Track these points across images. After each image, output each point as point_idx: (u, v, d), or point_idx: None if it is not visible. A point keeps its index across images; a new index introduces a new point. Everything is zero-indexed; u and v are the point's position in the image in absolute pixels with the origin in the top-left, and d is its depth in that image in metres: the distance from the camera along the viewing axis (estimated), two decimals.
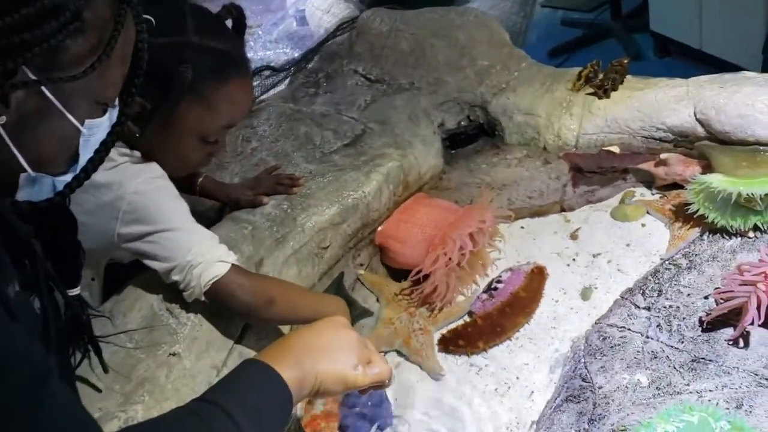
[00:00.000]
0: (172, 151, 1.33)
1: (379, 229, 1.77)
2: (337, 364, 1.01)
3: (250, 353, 1.33)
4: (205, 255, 1.25)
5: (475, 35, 2.08)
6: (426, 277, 1.65)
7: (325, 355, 1.00)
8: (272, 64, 2.31)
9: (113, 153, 1.23)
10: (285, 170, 1.69)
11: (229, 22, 1.34)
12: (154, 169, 1.29)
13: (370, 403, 1.45)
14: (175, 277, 1.24)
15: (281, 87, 2.20)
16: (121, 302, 1.29)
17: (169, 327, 1.25)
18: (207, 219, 1.57)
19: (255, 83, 2.18)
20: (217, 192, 1.64)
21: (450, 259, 1.66)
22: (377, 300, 1.70)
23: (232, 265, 1.27)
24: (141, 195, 1.24)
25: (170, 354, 1.21)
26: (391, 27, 2.15)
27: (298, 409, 1.39)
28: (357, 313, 1.64)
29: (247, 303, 1.27)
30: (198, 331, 1.27)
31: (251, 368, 0.94)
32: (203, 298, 1.26)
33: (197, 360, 1.24)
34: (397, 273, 1.75)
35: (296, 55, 2.35)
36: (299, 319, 1.40)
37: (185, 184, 1.53)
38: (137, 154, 1.29)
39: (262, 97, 2.14)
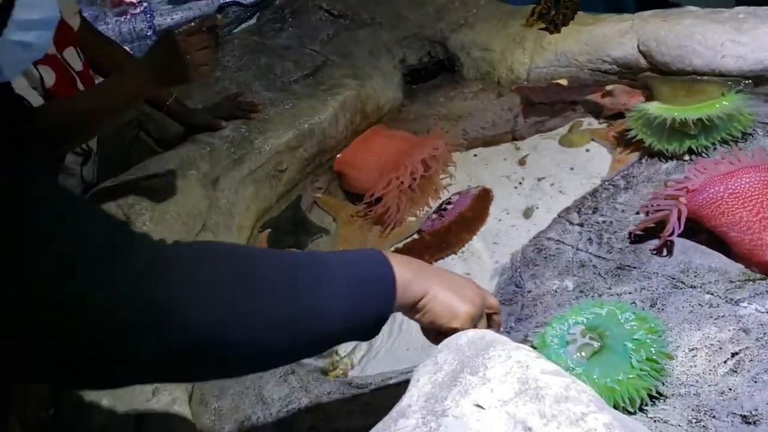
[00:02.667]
0: None
1: (338, 156, 1.86)
2: (453, 296, 0.96)
3: None
4: None
5: None
6: (379, 199, 1.75)
7: (446, 282, 0.97)
8: (240, 0, 2.37)
9: None
10: (246, 98, 1.77)
11: None
12: None
13: None
14: None
15: (251, 22, 2.26)
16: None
17: None
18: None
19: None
20: (180, 115, 1.71)
21: (402, 182, 1.75)
22: (334, 220, 1.79)
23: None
24: None
25: None
26: None
27: None
28: (313, 232, 1.73)
29: (49, 128, 1.25)
30: None
31: (365, 250, 0.94)
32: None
33: None
34: (355, 197, 1.84)
35: None
36: (111, 110, 1.33)
37: (154, 102, 1.59)
38: None
39: (232, 32, 2.21)
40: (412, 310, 0.96)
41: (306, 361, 1.49)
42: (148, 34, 3.03)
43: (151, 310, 0.69)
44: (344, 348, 1.55)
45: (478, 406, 0.74)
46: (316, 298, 0.83)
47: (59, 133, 1.25)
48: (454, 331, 0.94)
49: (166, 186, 1.42)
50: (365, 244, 1.72)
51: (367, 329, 0.92)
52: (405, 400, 0.83)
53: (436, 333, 0.99)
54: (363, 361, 1.51)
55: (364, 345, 1.54)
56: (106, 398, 1.07)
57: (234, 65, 1.89)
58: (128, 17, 3.11)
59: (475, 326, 0.98)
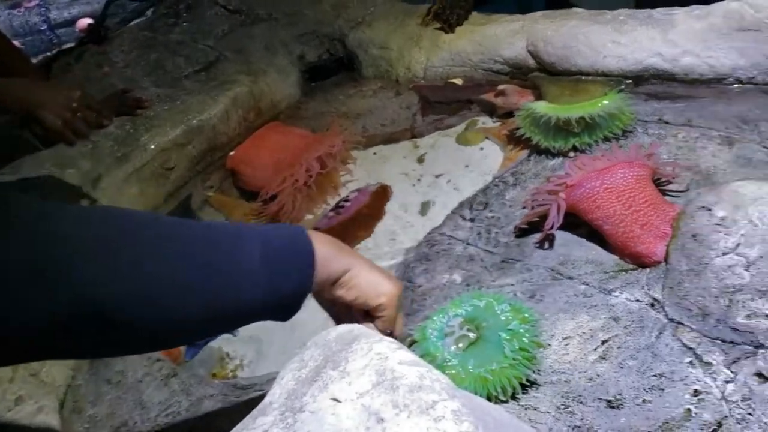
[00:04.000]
0: None
1: (231, 153, 1.82)
2: (378, 273, 0.95)
3: None
4: None
5: None
6: (274, 197, 1.73)
7: (369, 262, 0.95)
8: None
9: None
10: (134, 94, 1.71)
11: None
12: None
13: None
14: None
15: (143, 18, 2.19)
16: None
17: None
18: None
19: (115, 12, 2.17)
20: None
21: (297, 180, 1.74)
22: (226, 219, 1.76)
23: None
24: None
25: None
26: None
27: None
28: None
29: None
30: None
31: (284, 225, 0.87)
32: None
33: None
34: (249, 195, 1.81)
35: None
36: None
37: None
38: None
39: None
40: (334, 286, 0.94)
41: (192, 362, 1.46)
42: (42, 29, 2.90)
43: (33, 271, 0.63)
44: (233, 349, 1.52)
45: (335, 399, 0.74)
46: (232, 264, 0.79)
47: None
48: (380, 309, 0.92)
49: (41, 186, 1.36)
50: None
51: (286, 306, 0.89)
52: (268, 397, 0.82)
53: (363, 313, 0.98)
54: (253, 363, 1.49)
55: (253, 346, 1.52)
56: None
57: (122, 61, 1.83)
58: (22, 10, 2.97)
59: (398, 308, 0.97)
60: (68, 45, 2.11)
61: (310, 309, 1.53)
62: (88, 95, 1.36)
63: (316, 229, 1.72)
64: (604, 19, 1.77)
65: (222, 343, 1.54)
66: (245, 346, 1.53)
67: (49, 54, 2.20)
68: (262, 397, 1.23)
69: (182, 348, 1.50)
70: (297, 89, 1.96)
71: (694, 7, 1.63)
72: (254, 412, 0.80)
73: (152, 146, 1.57)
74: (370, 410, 0.71)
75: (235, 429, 0.79)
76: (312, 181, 1.76)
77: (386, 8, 2.08)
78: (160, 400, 1.21)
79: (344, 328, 0.89)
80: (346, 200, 1.76)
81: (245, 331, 1.55)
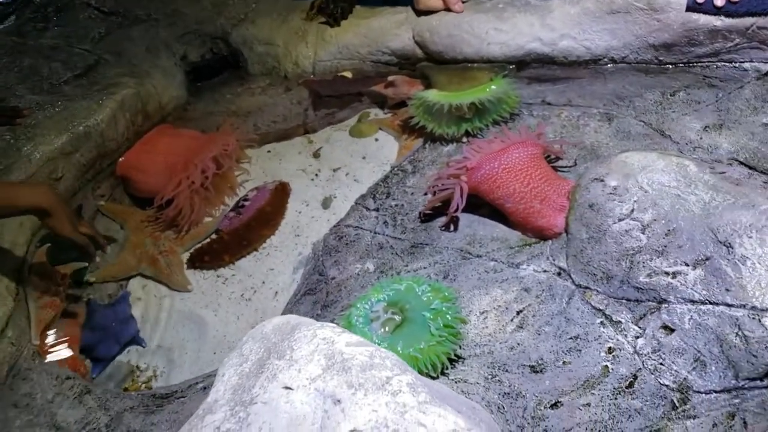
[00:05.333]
0: None
1: (120, 159, 1.74)
2: None
3: None
4: None
5: None
6: (170, 201, 1.67)
7: None
8: None
9: None
10: (9, 103, 1.60)
11: None
12: None
13: (114, 323, 1.45)
14: None
15: (8, 23, 2.04)
16: None
17: None
18: None
19: None
20: None
21: (193, 182, 1.69)
22: (122, 228, 1.68)
23: None
24: None
25: None
26: None
27: (33, 336, 1.36)
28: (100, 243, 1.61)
29: None
30: None
31: None
32: None
33: None
34: (143, 201, 1.75)
35: None
36: None
37: None
38: None
39: None
40: None
41: (100, 378, 1.39)
42: None
43: None
44: (143, 360, 1.47)
45: (287, 387, 0.74)
46: None
47: None
48: None
49: None
50: (158, 250, 1.64)
51: None
52: (211, 395, 0.80)
53: None
54: (166, 372, 1.44)
55: (164, 356, 1.47)
56: None
57: None
58: None
59: None
60: None
61: (220, 314, 1.51)
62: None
63: (218, 231, 1.68)
64: (485, 7, 1.84)
65: (130, 356, 1.48)
66: (155, 357, 1.48)
67: None
68: (186, 403, 1.20)
69: (89, 365, 1.42)
70: (183, 90, 1.90)
71: None
72: (199, 412, 0.79)
73: (36, 156, 1.47)
74: (325, 393, 0.72)
75: (181, 430, 0.77)
76: (208, 182, 1.72)
77: (269, 5, 2.06)
78: (77, 419, 1.15)
79: (279, 319, 0.89)
80: (246, 200, 1.74)
81: (154, 341, 1.50)
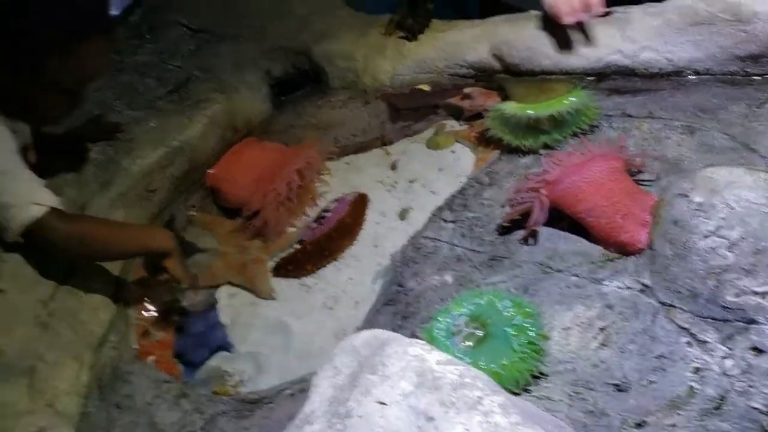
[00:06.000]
0: (34, 102, 1.34)
1: (210, 171, 1.83)
2: None
3: (80, 284, 1.36)
4: (22, 197, 1.26)
5: None
6: (257, 212, 1.74)
7: None
8: None
9: None
10: (107, 118, 1.70)
11: None
12: None
13: (205, 329, 1.53)
14: None
15: None
16: None
17: None
18: None
19: None
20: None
21: (279, 194, 1.76)
22: (212, 237, 1.76)
23: (51, 208, 1.29)
24: None
25: None
26: None
27: (132, 341, 1.44)
28: (190, 252, 1.69)
29: (62, 245, 1.30)
30: (22, 269, 1.29)
31: None
32: (21, 240, 1.28)
33: (22, 295, 1.26)
34: (230, 212, 1.82)
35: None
36: (124, 254, 1.46)
37: None
38: None
39: None
40: None
41: (192, 382, 1.47)
42: None
43: None
44: (231, 366, 1.54)
45: (381, 403, 0.78)
46: None
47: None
48: None
49: None
50: (245, 259, 1.71)
51: None
52: (307, 406, 0.85)
53: None
54: (253, 378, 1.51)
55: (251, 362, 1.54)
56: None
57: (93, 85, 1.81)
58: None
59: None
60: None
61: (303, 322, 1.57)
62: None
63: (301, 241, 1.74)
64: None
65: (219, 361, 1.55)
66: (243, 362, 1.54)
67: None
68: (275, 409, 1.26)
69: (181, 369, 1.50)
70: (268, 104, 1.98)
71: (648, 4, 1.72)
72: (296, 422, 0.83)
73: (135, 169, 1.57)
74: (418, 410, 0.75)
75: None
76: (292, 194, 1.78)
77: (349, 20, 2.11)
78: (174, 421, 1.22)
79: (368, 333, 0.93)
80: (326, 211, 1.79)
81: (241, 347, 1.57)
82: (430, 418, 0.73)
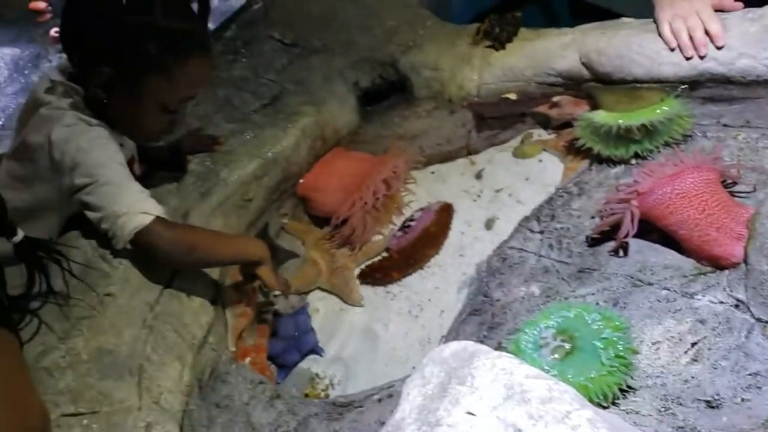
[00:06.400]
0: (138, 119, 1.44)
1: (301, 181, 1.90)
2: None
3: (182, 288, 1.45)
4: (130, 207, 1.35)
5: None
6: (345, 221, 1.80)
7: None
8: None
9: (70, 116, 1.35)
10: (206, 131, 1.80)
11: (194, 6, 1.44)
12: (98, 129, 1.39)
13: (296, 333, 1.59)
14: (104, 226, 1.34)
15: None
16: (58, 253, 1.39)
17: (102, 272, 1.36)
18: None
19: None
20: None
21: (365, 203, 1.81)
22: (302, 245, 1.83)
23: (156, 217, 1.36)
24: (83, 152, 1.35)
25: (105, 294, 1.32)
26: None
27: (229, 343, 1.52)
28: (282, 258, 1.77)
29: (167, 252, 1.37)
30: (130, 274, 1.38)
31: None
32: (129, 247, 1.37)
33: (131, 299, 1.35)
34: (320, 220, 1.89)
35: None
36: (221, 262, 1.54)
37: None
38: (93, 120, 1.40)
39: None
40: None
41: (284, 384, 1.53)
42: None
43: None
44: (321, 369, 1.59)
45: (470, 413, 0.80)
46: None
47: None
48: None
49: None
50: (334, 266, 1.77)
51: None
52: (398, 413, 0.88)
53: None
54: (342, 382, 1.56)
55: (341, 366, 1.59)
56: None
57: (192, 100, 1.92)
58: None
59: None
60: None
61: (390, 329, 1.60)
62: None
63: (387, 249, 1.78)
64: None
65: (309, 364, 1.61)
66: (332, 366, 1.60)
67: None
68: (364, 413, 1.30)
69: (274, 371, 1.57)
70: (355, 115, 2.02)
71: (747, 10, 1.67)
72: (388, 427, 0.86)
73: (232, 180, 1.65)
74: (506, 422, 0.77)
75: None
76: (379, 203, 1.83)
77: (435, 31, 2.14)
78: (269, 421, 1.28)
79: (457, 344, 0.95)
80: (412, 220, 1.83)
81: (330, 351, 1.62)
82: (519, 430, 0.75)
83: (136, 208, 1.35)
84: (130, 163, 1.48)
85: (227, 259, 1.52)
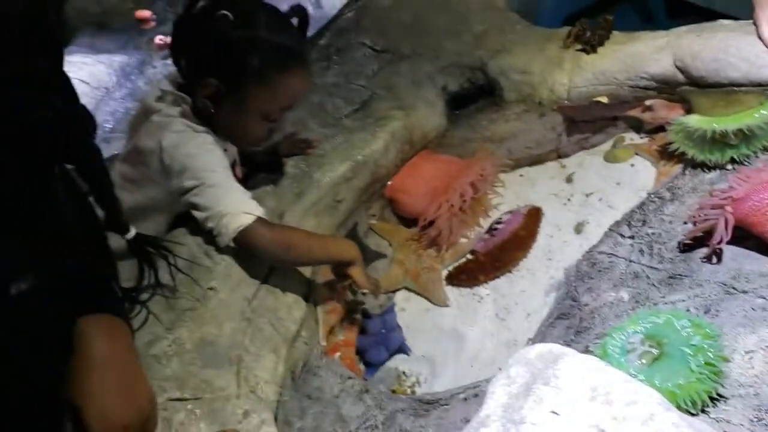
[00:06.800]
0: (241, 127, 1.54)
1: (389, 183, 1.95)
2: None
3: (277, 284, 1.52)
4: (235, 207, 1.44)
5: (470, 2, 2.25)
6: (432, 222, 1.84)
7: None
8: None
9: (179, 123, 1.46)
10: (300, 135, 1.87)
11: (294, 21, 1.54)
12: (205, 136, 1.49)
13: (383, 330, 1.64)
14: (210, 225, 1.43)
15: None
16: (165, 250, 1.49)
17: (205, 267, 1.45)
18: None
19: None
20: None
21: (452, 205, 1.84)
22: (390, 245, 1.88)
23: (258, 217, 1.45)
24: (191, 157, 1.45)
25: (208, 288, 1.41)
26: (394, 1, 2.32)
27: (320, 338, 1.59)
28: (370, 257, 1.82)
29: (268, 250, 1.45)
30: (231, 270, 1.47)
31: None
32: (232, 244, 1.45)
33: (231, 293, 1.44)
34: (407, 221, 1.93)
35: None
36: (316, 261, 1.61)
37: None
38: (200, 128, 1.49)
39: None
40: None
41: (372, 380, 1.58)
42: None
43: None
44: (408, 367, 1.63)
45: (554, 412, 0.82)
46: None
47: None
48: None
49: None
50: (420, 266, 1.81)
51: None
52: (483, 411, 0.91)
53: None
54: (428, 380, 1.59)
55: (426, 365, 1.63)
56: (203, 422, 1.17)
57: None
58: None
59: None
60: None
61: (476, 331, 1.63)
62: None
63: (472, 252, 1.81)
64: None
65: (396, 362, 1.65)
66: (418, 365, 1.63)
67: None
68: (449, 411, 1.33)
69: (362, 368, 1.62)
70: (443, 119, 2.06)
71: None
72: (473, 423, 0.89)
73: (325, 182, 1.72)
74: (590, 422, 0.79)
75: None
76: (466, 205, 1.85)
77: (525, 35, 2.15)
78: (357, 414, 1.33)
79: (542, 347, 0.97)
80: (499, 222, 1.84)
81: (417, 350, 1.66)
82: (602, 430, 0.77)
83: (239, 208, 1.44)
84: (232, 167, 1.57)
85: (322, 259, 1.59)
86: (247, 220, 1.43)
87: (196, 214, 1.45)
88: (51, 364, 1.05)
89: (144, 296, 1.34)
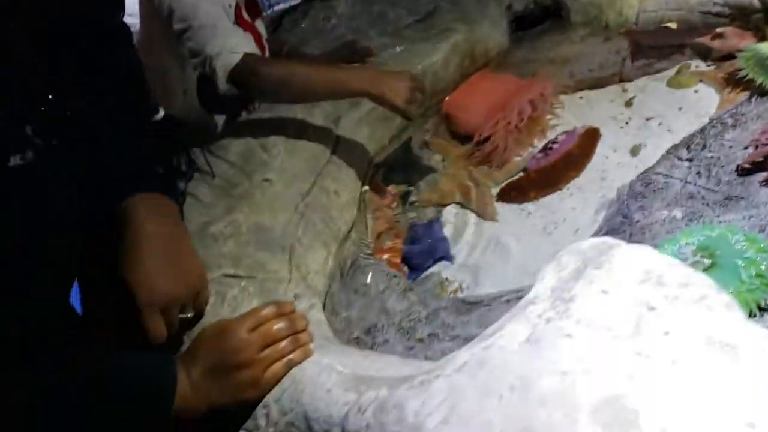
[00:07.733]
0: None
1: (447, 99, 1.94)
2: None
3: (330, 185, 1.55)
4: (223, 47, 1.38)
5: None
6: (487, 138, 1.83)
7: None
8: None
9: None
10: (360, 43, 1.87)
11: None
12: None
13: (430, 240, 1.66)
14: (205, 71, 1.40)
15: None
16: (220, 141, 1.53)
17: (262, 159, 1.49)
18: None
19: None
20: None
21: (509, 122, 1.82)
22: (442, 160, 1.88)
23: (245, 53, 1.38)
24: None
25: (264, 180, 1.45)
26: None
27: (369, 241, 1.62)
28: (423, 172, 1.83)
29: (262, 86, 1.40)
30: (286, 164, 1.50)
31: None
32: (229, 88, 1.39)
33: (285, 187, 1.47)
34: (462, 138, 1.93)
35: None
36: (320, 96, 1.54)
37: None
38: None
39: None
40: None
41: (416, 283, 1.61)
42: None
43: None
44: (451, 273, 1.65)
45: (604, 292, 0.83)
46: None
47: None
48: None
49: (296, 122, 1.56)
50: (471, 181, 1.81)
51: None
52: (532, 293, 0.92)
53: None
54: (471, 287, 1.61)
55: (470, 273, 1.64)
56: (255, 299, 1.21)
57: (348, 13, 2.00)
58: None
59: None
60: (293, 2, 2.32)
61: (522, 243, 1.63)
62: (417, 77, 1.60)
63: (524, 170, 1.80)
64: None
65: (440, 269, 1.68)
66: (462, 272, 1.65)
67: (274, 11, 2.43)
68: (492, 311, 1.35)
69: (407, 272, 1.65)
70: (506, 38, 2.03)
71: None
72: (521, 303, 0.91)
73: None
74: (641, 300, 0.80)
75: (504, 317, 0.91)
76: (522, 124, 1.83)
77: None
78: (401, 309, 1.36)
79: (595, 239, 0.97)
80: (554, 142, 1.82)
81: (461, 259, 1.68)
82: (652, 308, 0.77)
83: (228, 47, 1.38)
84: (236, 9, 1.51)
85: (326, 91, 1.50)
86: (234, 59, 1.37)
87: (194, 62, 1.41)
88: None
89: (197, 185, 1.37)
